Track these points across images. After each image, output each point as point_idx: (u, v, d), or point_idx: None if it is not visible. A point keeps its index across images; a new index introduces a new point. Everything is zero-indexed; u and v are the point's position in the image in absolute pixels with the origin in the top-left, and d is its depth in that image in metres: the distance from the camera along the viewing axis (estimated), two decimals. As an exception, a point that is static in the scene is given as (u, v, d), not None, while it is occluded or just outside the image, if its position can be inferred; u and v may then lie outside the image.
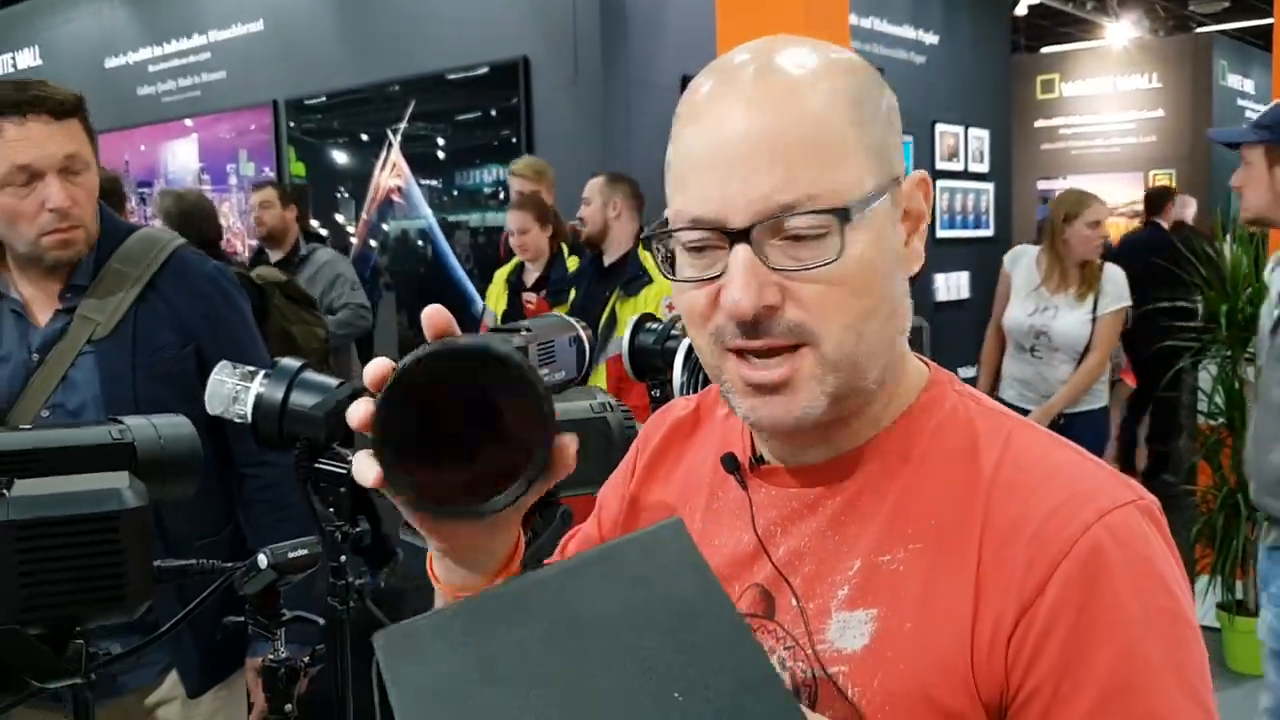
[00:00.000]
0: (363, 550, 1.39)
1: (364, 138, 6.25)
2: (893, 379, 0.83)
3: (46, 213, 1.70)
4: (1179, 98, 10.20)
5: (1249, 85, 10.91)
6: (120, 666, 1.74)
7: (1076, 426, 3.88)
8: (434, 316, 0.75)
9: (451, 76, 5.68)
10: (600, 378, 3.60)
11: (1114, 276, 3.99)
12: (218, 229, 4.43)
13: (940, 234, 6.77)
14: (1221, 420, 4.14)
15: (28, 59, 8.28)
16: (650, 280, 3.60)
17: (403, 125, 5.96)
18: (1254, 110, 10.90)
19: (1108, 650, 0.72)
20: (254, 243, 5.48)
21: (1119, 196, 10.09)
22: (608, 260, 3.79)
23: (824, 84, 0.78)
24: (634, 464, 1.02)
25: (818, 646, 0.79)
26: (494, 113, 5.55)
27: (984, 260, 6.41)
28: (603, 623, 0.65)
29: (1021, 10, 9.97)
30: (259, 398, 1.43)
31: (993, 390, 4.10)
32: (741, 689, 0.64)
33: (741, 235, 0.76)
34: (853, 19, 5.81)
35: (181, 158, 7.42)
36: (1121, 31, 10.88)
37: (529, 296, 4.12)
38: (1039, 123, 10.83)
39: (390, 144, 6.05)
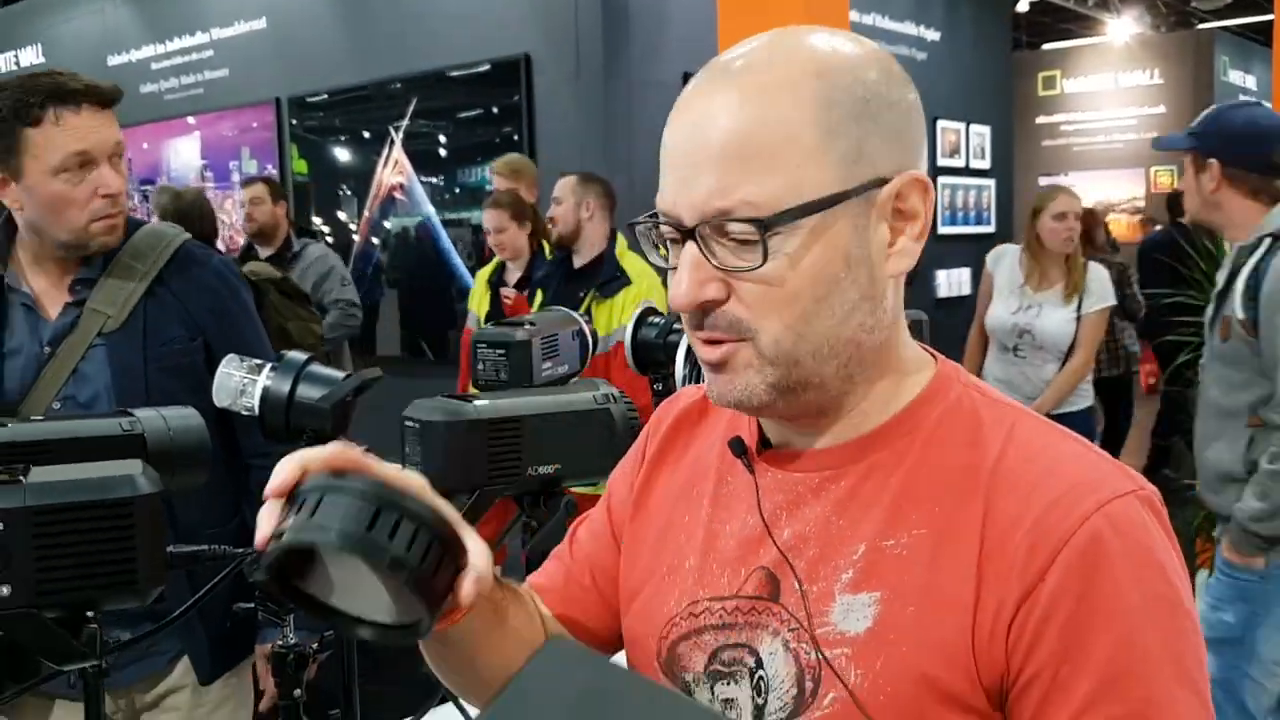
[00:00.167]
0: None
1: (366, 135, 6.26)
2: (870, 370, 0.84)
3: (99, 199, 1.73)
4: (1180, 94, 10.21)
5: (1250, 81, 10.92)
6: (130, 655, 1.76)
7: None
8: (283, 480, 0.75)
9: (453, 74, 5.69)
10: None
11: (1099, 276, 3.96)
12: (214, 227, 4.46)
13: (942, 230, 6.79)
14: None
15: (30, 56, 8.30)
16: (628, 282, 3.56)
17: (404, 123, 5.97)
18: (1255, 106, 10.90)
19: (1106, 638, 0.73)
20: (238, 238, 5.49)
21: (1120, 193, 10.11)
22: (579, 261, 3.73)
23: (790, 85, 0.78)
24: (643, 451, 1.04)
25: (821, 629, 0.81)
26: (496, 110, 5.56)
27: (985, 257, 6.42)
28: None
29: (1023, 7, 9.98)
30: (266, 390, 1.45)
31: None
32: None
33: (690, 232, 0.80)
34: (854, 15, 5.82)
35: (184, 155, 7.44)
36: (1123, 28, 10.89)
37: (507, 292, 4.09)
38: (1040, 119, 10.85)
39: (392, 141, 6.06)
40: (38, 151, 1.70)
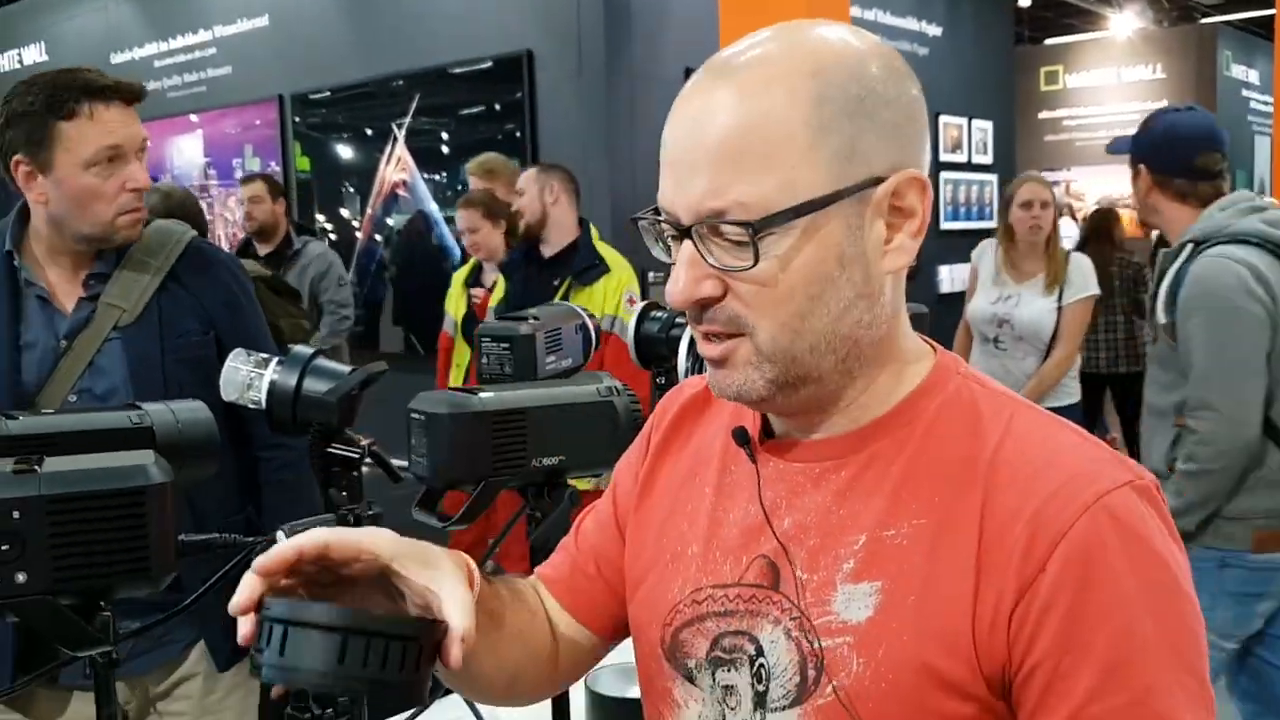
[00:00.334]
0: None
1: (369, 132, 6.28)
2: (869, 364, 0.85)
3: (126, 193, 1.78)
4: (1183, 89, 10.20)
5: (1253, 76, 10.91)
6: (144, 644, 1.79)
7: None
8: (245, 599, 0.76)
9: (455, 71, 5.70)
10: None
11: (1080, 265, 3.91)
12: (203, 226, 4.47)
13: (944, 225, 6.79)
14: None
15: (34, 54, 8.32)
16: (608, 269, 3.51)
17: (407, 120, 5.98)
18: (1258, 101, 10.91)
19: (1107, 627, 0.74)
20: (241, 236, 5.47)
21: (1123, 188, 10.10)
22: (549, 250, 3.64)
23: (785, 84, 0.79)
24: (648, 441, 1.05)
25: (823, 618, 0.82)
26: (498, 107, 5.58)
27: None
28: None
29: (1025, 2, 9.97)
30: (273, 384, 1.46)
31: None
32: None
33: (687, 231, 0.81)
34: (855, 11, 5.83)
35: (187, 153, 7.46)
36: (1125, 22, 10.88)
37: (476, 291, 4.04)
38: (1043, 114, 10.84)
39: (395, 138, 6.08)
40: (70, 145, 1.73)
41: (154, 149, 7.56)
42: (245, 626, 0.74)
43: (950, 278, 6.81)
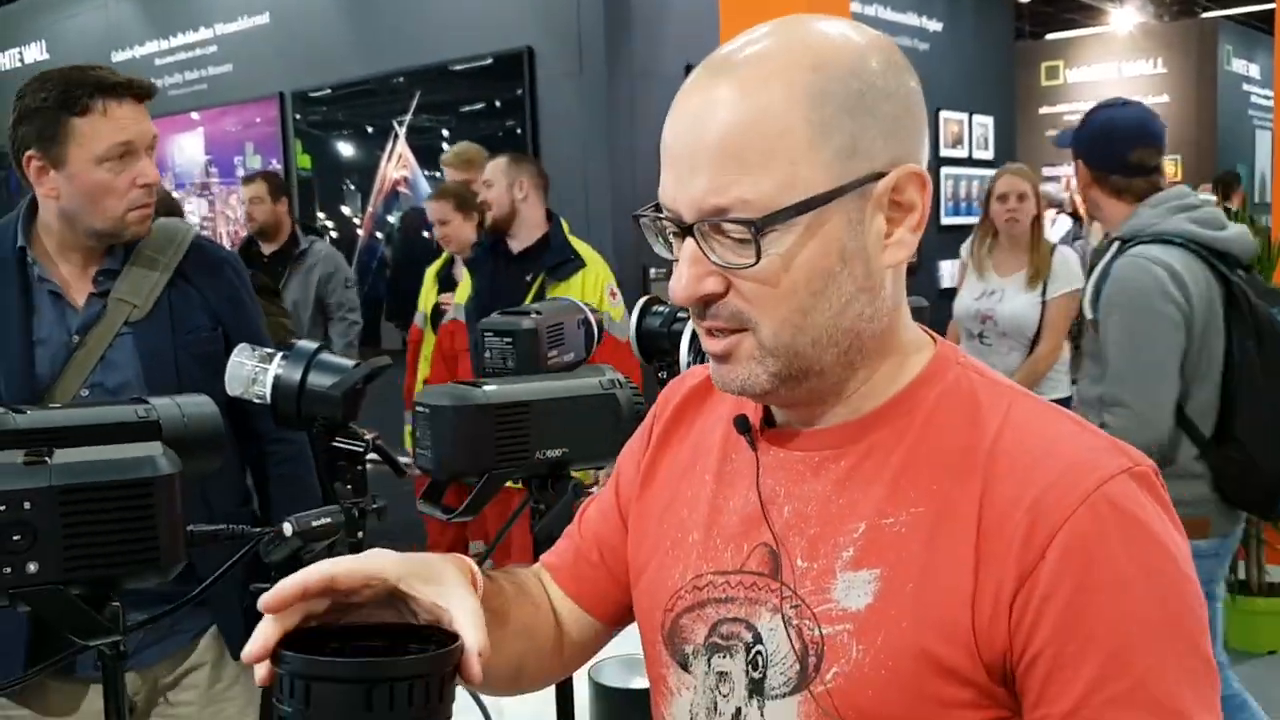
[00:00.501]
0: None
1: (369, 130, 6.28)
2: (871, 357, 0.86)
3: (137, 189, 1.80)
4: (1184, 83, 10.20)
5: (1254, 70, 10.90)
6: (152, 636, 1.80)
7: None
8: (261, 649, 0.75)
9: (456, 68, 5.70)
10: None
11: (1066, 259, 3.88)
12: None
13: (945, 221, 6.79)
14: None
15: (35, 53, 8.32)
16: (583, 264, 3.46)
17: (408, 117, 5.98)
18: (1259, 95, 10.90)
19: (1108, 613, 0.75)
20: (243, 235, 5.42)
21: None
22: (519, 245, 3.56)
23: (784, 80, 0.79)
24: (650, 430, 1.06)
25: (823, 606, 0.83)
26: (498, 103, 5.57)
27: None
28: None
29: (1025, -3, 9.96)
30: (278, 379, 1.47)
31: None
32: None
33: (689, 228, 0.82)
34: (856, 6, 5.83)
35: (189, 151, 7.45)
36: (1126, 17, 10.88)
37: (445, 298, 3.98)
38: (1043, 109, 10.83)
39: (396, 135, 6.08)
40: (83, 140, 1.76)
41: (155, 147, 7.58)
42: (263, 671, 0.75)
43: (951, 273, 6.80)
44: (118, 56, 7.65)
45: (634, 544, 1.02)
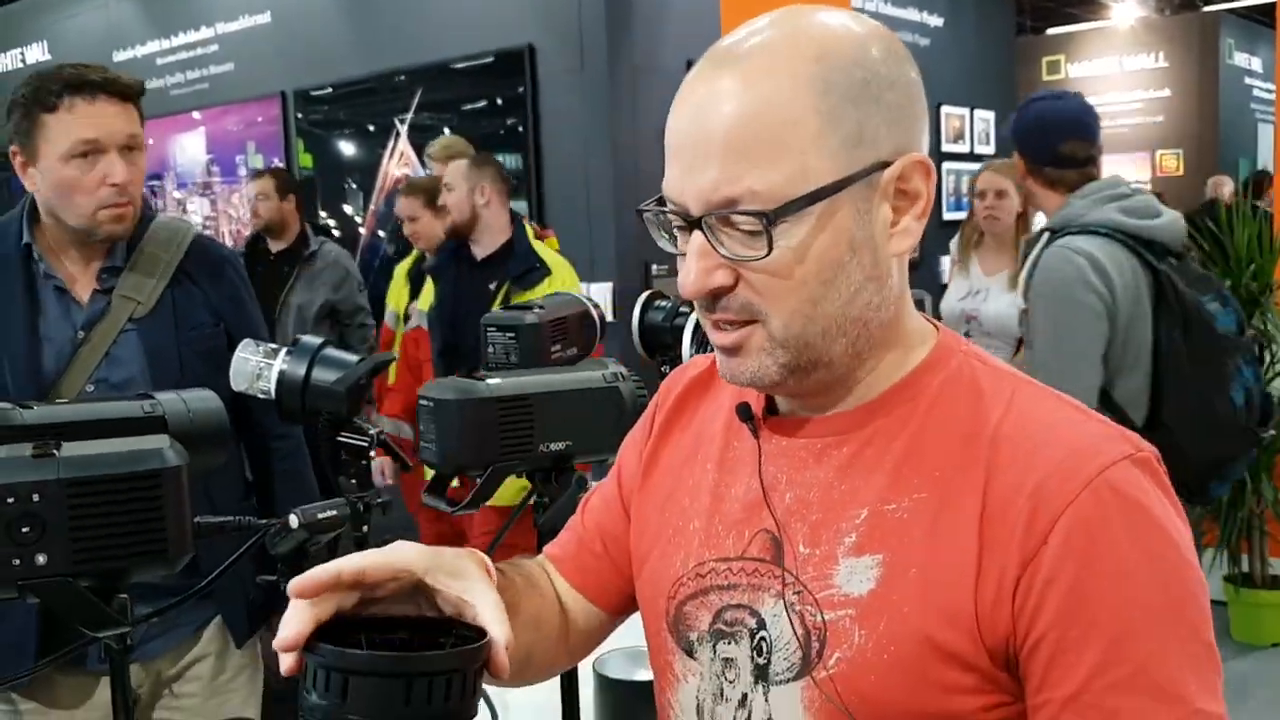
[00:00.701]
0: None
1: (371, 128, 6.28)
2: (878, 346, 0.86)
3: (106, 187, 1.79)
4: (1186, 77, 10.18)
5: (1256, 63, 10.88)
6: (156, 628, 1.81)
7: None
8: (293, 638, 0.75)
9: (457, 66, 5.70)
10: None
11: None
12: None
13: (946, 216, 6.79)
14: (1226, 395, 4.15)
15: (36, 53, 8.33)
16: (548, 272, 3.35)
17: (409, 115, 5.98)
18: (1261, 89, 10.88)
19: (1110, 599, 0.75)
20: (246, 233, 5.30)
21: (1126, 177, 10.09)
22: (481, 251, 3.45)
23: (789, 71, 0.79)
24: (652, 420, 1.07)
25: (825, 591, 0.83)
26: (500, 101, 5.58)
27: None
28: None
29: (1026, -9, 9.95)
30: (282, 374, 1.48)
31: None
32: None
33: (697, 222, 0.81)
34: (856, 1, 5.83)
35: (190, 151, 7.47)
36: (1127, 11, 10.86)
37: (414, 308, 3.88)
38: (1045, 104, 10.80)
39: (398, 134, 6.08)
40: (51, 136, 1.77)
41: (157, 147, 7.58)
42: (291, 660, 0.75)
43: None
44: (119, 56, 7.66)
45: (636, 533, 1.02)
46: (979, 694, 0.79)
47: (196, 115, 7.32)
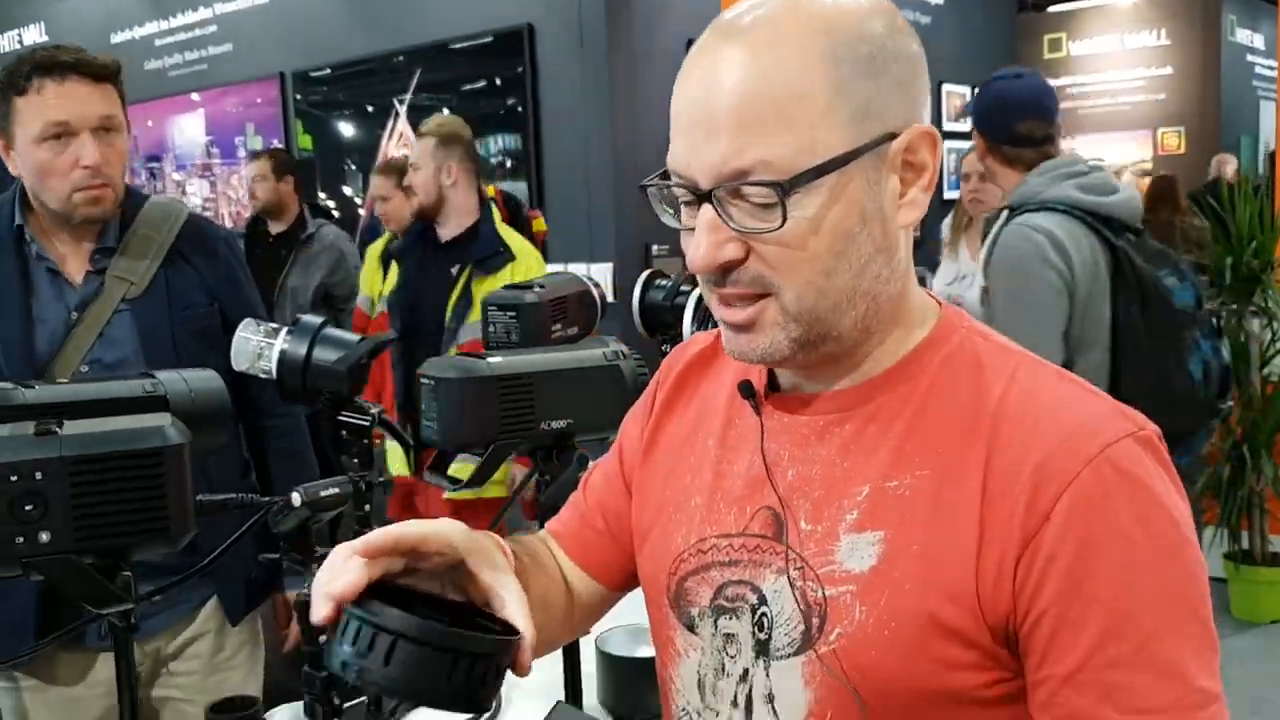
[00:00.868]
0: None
1: (370, 109, 6.27)
2: (885, 321, 0.86)
3: (79, 170, 1.77)
4: (1187, 55, 10.12)
5: (1258, 40, 10.82)
6: (155, 606, 1.82)
7: None
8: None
9: (456, 46, 5.69)
10: None
11: None
12: None
13: (947, 195, 6.78)
14: (1227, 373, 4.16)
15: (34, 35, 8.30)
16: (512, 257, 3.22)
17: (408, 96, 5.97)
18: (1263, 65, 10.83)
19: (1111, 576, 0.75)
20: (246, 215, 5.24)
21: (1128, 155, 10.05)
22: (447, 233, 3.31)
23: (798, 43, 0.79)
24: (654, 397, 1.06)
25: (826, 568, 0.83)
26: (499, 81, 5.56)
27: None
28: None
29: (1027, -32, 9.89)
30: (283, 353, 1.48)
31: None
32: None
33: (706, 195, 0.81)
34: (857, -20, 5.78)
35: (189, 132, 7.46)
36: (1129, -12, 10.78)
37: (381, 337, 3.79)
38: (1047, 82, 10.76)
39: (397, 114, 6.07)
40: (23, 119, 1.76)
41: (156, 128, 7.57)
42: (328, 610, 0.75)
43: (954, 247, 6.80)
44: (117, 38, 7.63)
45: (638, 510, 1.02)
46: (979, 670, 0.79)
47: (195, 97, 7.30)
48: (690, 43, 0.87)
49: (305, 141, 6.67)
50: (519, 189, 5.25)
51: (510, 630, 0.78)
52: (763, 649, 0.86)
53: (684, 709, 0.94)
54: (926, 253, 6.30)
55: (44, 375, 1.77)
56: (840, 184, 0.79)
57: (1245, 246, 4.05)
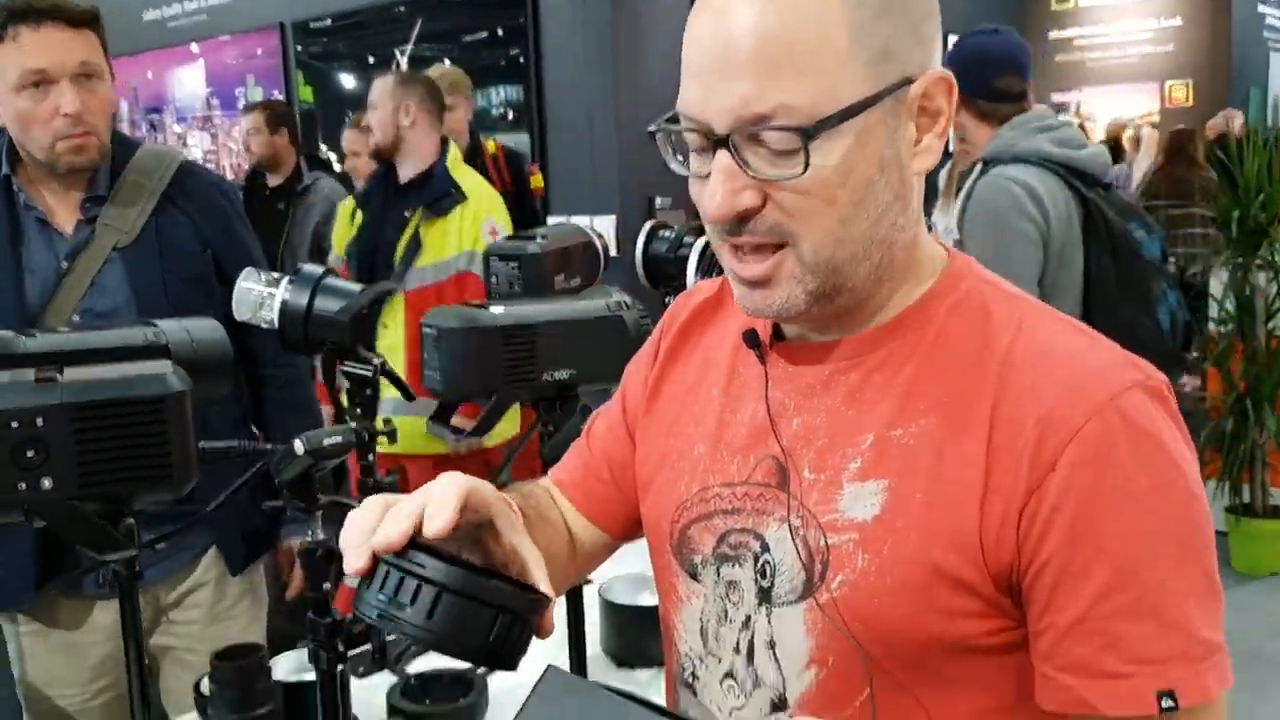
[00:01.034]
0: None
1: (371, 60, 6.21)
2: (897, 271, 0.85)
3: (60, 118, 1.75)
4: (1196, 6, 10.00)
5: (1268, -9, 10.68)
6: (153, 557, 1.82)
7: None
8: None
9: (457, -5, 5.63)
10: (397, 314, 3.08)
11: None
12: None
13: (954, 149, 6.73)
14: (1231, 326, 4.16)
15: (30, -14, 8.21)
16: (463, 198, 3.13)
17: (409, 47, 5.91)
18: (1273, 16, 10.70)
19: (1117, 525, 0.75)
20: (246, 167, 5.16)
21: (1136, 108, 9.96)
22: (405, 174, 3.22)
23: None
24: (658, 346, 1.06)
25: (829, 515, 0.83)
26: (500, 32, 5.50)
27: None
28: None
29: (1036, -83, 9.74)
30: (284, 304, 1.48)
31: None
32: None
33: (723, 140, 0.78)
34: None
35: (189, 84, 7.39)
36: (1139, -63, 10.63)
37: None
38: (1054, 34, 10.63)
39: (398, 65, 6.01)
40: (1, 68, 1.74)
41: (156, 80, 7.50)
42: (363, 560, 0.74)
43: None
44: (114, -13, 7.54)
45: (641, 458, 1.02)
46: (982, 619, 0.79)
47: (195, 48, 7.23)
48: (694, -5, 0.85)
49: (306, 93, 6.61)
50: (521, 141, 5.21)
51: (531, 591, 0.79)
52: (765, 596, 0.86)
53: (686, 655, 0.94)
54: (926, 209, 6.28)
55: (36, 325, 1.75)
56: (863, 129, 0.77)
57: (1253, 199, 4.02)
